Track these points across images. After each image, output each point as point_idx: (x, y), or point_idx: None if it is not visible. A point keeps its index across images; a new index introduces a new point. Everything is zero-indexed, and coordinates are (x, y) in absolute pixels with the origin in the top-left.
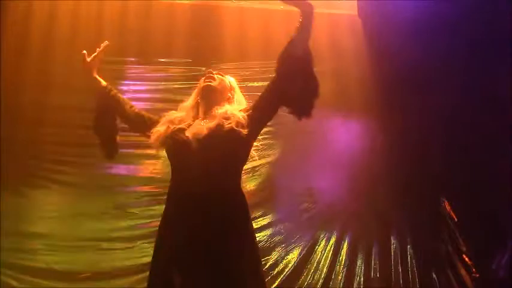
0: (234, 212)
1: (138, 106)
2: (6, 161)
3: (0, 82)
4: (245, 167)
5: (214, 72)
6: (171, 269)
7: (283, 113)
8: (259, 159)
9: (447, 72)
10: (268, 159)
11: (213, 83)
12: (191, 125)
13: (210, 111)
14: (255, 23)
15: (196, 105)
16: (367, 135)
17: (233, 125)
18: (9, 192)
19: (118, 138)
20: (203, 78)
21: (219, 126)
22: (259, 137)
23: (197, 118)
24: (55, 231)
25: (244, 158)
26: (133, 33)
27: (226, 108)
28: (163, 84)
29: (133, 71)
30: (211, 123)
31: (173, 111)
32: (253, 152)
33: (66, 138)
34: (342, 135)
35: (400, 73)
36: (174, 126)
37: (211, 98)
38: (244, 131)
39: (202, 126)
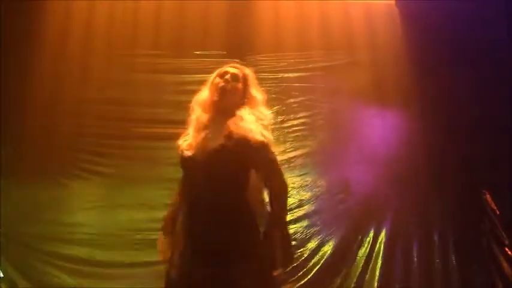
0: (240, 223)
1: (173, 98)
2: (47, 153)
3: (39, 75)
4: (281, 158)
5: (231, 74)
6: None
7: (319, 104)
8: (294, 150)
9: (488, 65)
10: (304, 151)
11: (217, 98)
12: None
13: (220, 118)
14: (289, 14)
15: (212, 103)
16: (405, 127)
17: (236, 150)
18: (51, 183)
19: None
20: (219, 76)
21: (223, 147)
22: (295, 128)
23: (212, 119)
24: (94, 221)
25: (245, 177)
26: (168, 26)
27: (234, 127)
28: (199, 77)
29: (168, 63)
30: (216, 143)
31: (196, 117)
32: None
33: (105, 130)
34: (379, 126)
35: (438, 63)
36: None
37: (223, 108)
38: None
39: (208, 143)
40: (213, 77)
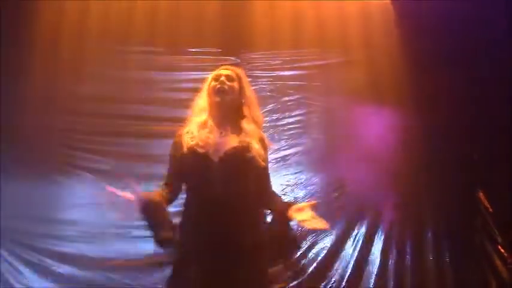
0: (251, 224)
1: (168, 96)
2: (41, 151)
3: (33, 72)
4: (275, 156)
5: (225, 76)
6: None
7: (314, 102)
8: (289, 148)
9: (487, 64)
10: (299, 149)
11: (219, 100)
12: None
13: (225, 119)
14: (284, 12)
15: (210, 107)
16: (401, 125)
17: (256, 152)
18: (45, 180)
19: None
20: (213, 80)
21: (240, 149)
22: (290, 126)
23: (217, 121)
24: (88, 218)
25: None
26: (162, 23)
27: (247, 129)
28: (193, 74)
29: (162, 61)
30: (232, 141)
31: (195, 120)
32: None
33: (99, 127)
34: (374, 125)
35: (435, 62)
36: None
37: (225, 109)
38: (262, 163)
39: (229, 141)
40: (208, 82)
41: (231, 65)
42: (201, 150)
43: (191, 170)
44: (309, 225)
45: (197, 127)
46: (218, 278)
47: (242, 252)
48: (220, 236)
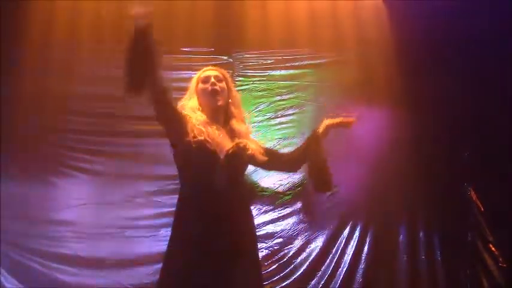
0: (248, 220)
1: None
2: (34, 151)
3: (25, 71)
4: None
5: (214, 77)
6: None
7: (306, 101)
8: (282, 148)
9: (478, 61)
10: (291, 149)
11: (221, 102)
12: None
13: (217, 120)
14: (277, 11)
15: (202, 108)
16: (394, 125)
17: (254, 151)
18: (38, 181)
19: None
20: (202, 82)
21: (241, 149)
22: (282, 125)
23: (212, 122)
24: (81, 219)
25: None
26: (155, 23)
27: (239, 130)
28: (185, 73)
29: None
30: (229, 143)
31: (195, 116)
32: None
33: (92, 127)
34: (367, 124)
35: (427, 61)
36: (201, 135)
37: (218, 110)
38: (264, 158)
39: (225, 141)
40: (194, 84)
41: (214, 65)
42: (210, 147)
43: (198, 163)
44: (336, 121)
45: (200, 125)
46: (216, 272)
47: (239, 246)
48: (220, 228)
